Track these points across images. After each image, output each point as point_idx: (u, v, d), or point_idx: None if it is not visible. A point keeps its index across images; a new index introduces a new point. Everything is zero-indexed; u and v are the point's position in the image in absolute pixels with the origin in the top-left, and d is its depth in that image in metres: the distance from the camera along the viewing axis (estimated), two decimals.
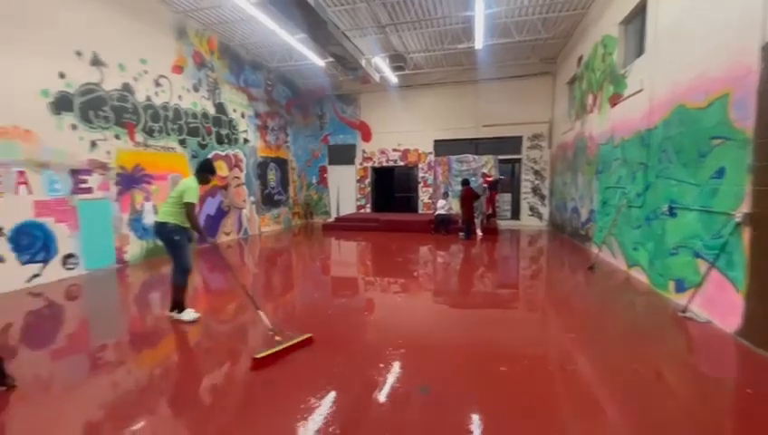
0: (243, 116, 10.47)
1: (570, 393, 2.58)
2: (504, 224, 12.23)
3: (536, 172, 12.44)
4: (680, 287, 4.34)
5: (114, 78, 6.70)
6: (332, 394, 2.55)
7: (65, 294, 5.23)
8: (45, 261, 5.67)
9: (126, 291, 5.68)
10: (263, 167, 11.51)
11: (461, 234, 9.85)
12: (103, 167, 6.53)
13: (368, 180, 14.03)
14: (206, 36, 8.96)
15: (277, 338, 3.25)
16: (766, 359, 2.99)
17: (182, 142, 8.24)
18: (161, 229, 3.87)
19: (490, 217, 11.32)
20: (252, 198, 10.93)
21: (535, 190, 12.54)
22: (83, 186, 6.23)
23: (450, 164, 11.81)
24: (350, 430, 2.19)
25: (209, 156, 8.91)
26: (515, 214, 12.94)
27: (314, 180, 14.56)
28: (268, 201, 11.85)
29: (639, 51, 5.85)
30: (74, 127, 6.07)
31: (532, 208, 12.66)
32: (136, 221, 7.16)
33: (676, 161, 4.52)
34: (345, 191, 14.35)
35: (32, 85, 5.51)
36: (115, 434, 2.19)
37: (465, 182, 10.03)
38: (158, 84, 7.61)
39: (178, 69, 8.14)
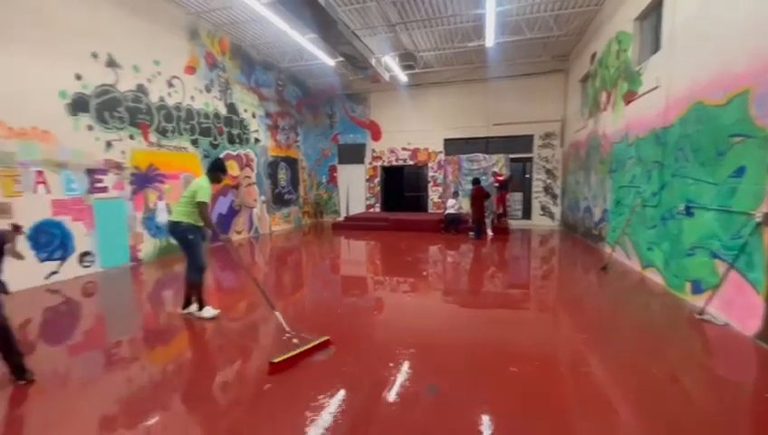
0: (254, 116, 10.57)
1: (581, 395, 2.54)
2: (514, 223, 12.10)
3: (548, 171, 12.28)
4: (697, 289, 4.24)
5: (129, 79, 6.82)
6: (342, 393, 2.56)
7: (82, 291, 5.35)
8: (63, 259, 5.82)
9: (140, 288, 5.79)
10: (273, 166, 11.61)
11: (471, 233, 9.79)
12: (118, 166, 6.67)
13: (377, 179, 14.04)
14: (217, 37, 9.06)
15: (294, 341, 3.21)
16: None
17: (194, 142, 8.35)
18: (175, 229, 3.93)
19: (501, 216, 11.23)
20: (262, 198, 11.03)
21: (547, 189, 12.38)
22: (99, 185, 6.37)
23: (460, 163, 11.75)
24: (360, 428, 2.20)
25: (221, 155, 9.00)
26: (526, 213, 12.79)
27: (324, 180, 14.63)
28: (278, 200, 11.95)
29: (655, 47, 5.72)
30: (90, 128, 6.20)
31: (543, 208, 12.50)
32: (149, 220, 7.29)
33: (693, 160, 4.41)
34: (355, 190, 14.37)
35: (50, 87, 5.64)
36: (130, 429, 2.24)
37: (476, 181, 9.96)
38: (170, 85, 7.72)
39: (191, 70, 8.26)
